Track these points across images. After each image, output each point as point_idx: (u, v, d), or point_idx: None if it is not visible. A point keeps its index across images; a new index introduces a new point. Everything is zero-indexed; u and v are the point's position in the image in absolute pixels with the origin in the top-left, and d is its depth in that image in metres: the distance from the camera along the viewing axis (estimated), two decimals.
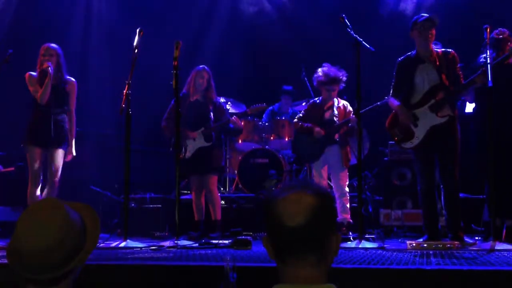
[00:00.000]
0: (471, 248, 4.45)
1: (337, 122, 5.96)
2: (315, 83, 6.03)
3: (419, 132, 4.93)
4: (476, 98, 5.28)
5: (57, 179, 5.62)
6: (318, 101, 6.14)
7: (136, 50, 5.16)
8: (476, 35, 5.24)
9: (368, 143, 7.17)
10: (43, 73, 5.62)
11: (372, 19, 8.60)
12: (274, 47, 9.02)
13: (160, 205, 6.75)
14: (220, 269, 2.42)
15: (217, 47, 9.03)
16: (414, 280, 2.94)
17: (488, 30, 4.74)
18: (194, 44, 8.70)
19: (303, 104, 7.59)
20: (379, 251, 4.23)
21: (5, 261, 1.90)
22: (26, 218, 1.82)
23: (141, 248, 4.68)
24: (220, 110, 6.16)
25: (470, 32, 5.92)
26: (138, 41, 5.22)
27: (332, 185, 6.07)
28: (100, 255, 3.97)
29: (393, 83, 5.14)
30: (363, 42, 4.83)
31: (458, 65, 4.96)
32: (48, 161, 5.64)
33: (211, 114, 6.09)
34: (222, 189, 7.74)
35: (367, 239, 4.84)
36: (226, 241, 5.03)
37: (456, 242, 4.47)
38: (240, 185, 7.39)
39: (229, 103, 7.32)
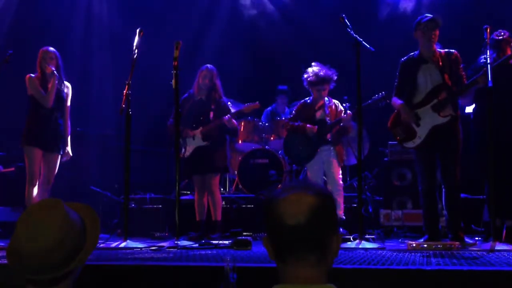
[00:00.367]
0: (471, 248, 4.45)
1: (329, 121, 5.92)
2: (305, 83, 5.98)
3: (421, 132, 4.94)
4: (476, 99, 5.28)
5: (51, 183, 5.70)
6: (309, 101, 6.10)
7: (136, 50, 5.16)
8: (476, 35, 5.24)
9: (368, 143, 7.18)
10: (45, 77, 5.67)
11: (372, 19, 8.61)
12: (274, 47, 9.02)
13: (160, 206, 6.75)
14: (220, 269, 2.42)
15: (217, 47, 9.04)
16: (414, 280, 2.94)
17: (488, 30, 4.75)
18: (194, 44, 8.71)
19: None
20: (379, 252, 4.22)
21: (5, 261, 1.89)
22: (26, 219, 1.82)
23: (141, 248, 4.68)
24: (222, 109, 6.14)
25: (470, 32, 5.92)
26: (138, 42, 5.22)
27: (326, 181, 6.01)
28: (100, 255, 3.97)
29: (396, 83, 5.15)
30: (363, 42, 4.83)
31: (461, 66, 4.96)
32: (45, 164, 5.68)
33: (211, 113, 6.09)
34: (222, 189, 7.74)
35: (367, 240, 4.84)
36: (226, 242, 5.03)
37: (456, 243, 4.46)
38: (240, 186, 7.39)
39: (229, 103, 7.31)
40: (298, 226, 1.52)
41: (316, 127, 5.89)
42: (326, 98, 6.01)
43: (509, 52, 5.08)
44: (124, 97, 5.02)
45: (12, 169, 7.34)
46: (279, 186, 6.91)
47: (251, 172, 7.20)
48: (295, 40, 8.95)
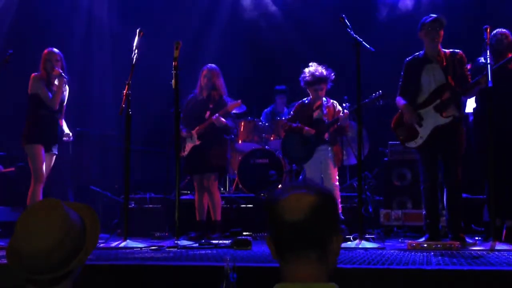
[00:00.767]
0: (471, 248, 4.45)
1: (326, 121, 5.92)
2: (302, 84, 5.98)
3: (423, 132, 4.95)
4: (476, 99, 5.29)
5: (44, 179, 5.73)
6: (306, 101, 6.10)
7: (136, 51, 5.16)
8: (476, 35, 5.25)
9: (367, 143, 7.18)
10: (49, 78, 5.66)
11: (372, 18, 8.60)
12: (274, 47, 9.02)
13: (160, 205, 6.75)
14: (220, 269, 2.42)
15: (217, 47, 9.03)
16: (414, 280, 2.94)
17: (488, 30, 4.75)
18: (194, 44, 8.71)
19: None
20: (379, 251, 4.23)
21: (5, 261, 1.89)
22: (26, 219, 1.82)
23: (141, 248, 4.68)
24: (220, 109, 6.13)
25: (470, 32, 5.92)
26: (138, 42, 5.22)
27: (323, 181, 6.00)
28: (100, 255, 3.97)
29: (400, 83, 5.16)
30: (363, 42, 4.83)
31: (466, 66, 4.96)
32: (46, 164, 5.70)
33: (208, 112, 6.09)
34: (222, 189, 7.74)
35: (367, 239, 4.84)
36: (226, 241, 5.03)
37: (456, 242, 4.47)
38: (240, 185, 7.39)
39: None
40: (297, 224, 1.53)
41: (313, 129, 5.89)
42: (324, 98, 6.01)
43: (510, 56, 5.08)
44: (124, 97, 5.03)
45: (12, 169, 7.34)
46: (279, 186, 6.92)
47: (251, 172, 7.20)
48: (295, 40, 8.95)
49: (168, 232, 6.30)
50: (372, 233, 5.73)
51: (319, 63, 5.97)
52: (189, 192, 7.50)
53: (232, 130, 6.28)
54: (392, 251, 4.29)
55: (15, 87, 6.98)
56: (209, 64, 6.24)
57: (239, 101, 6.20)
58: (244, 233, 6.00)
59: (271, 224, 1.60)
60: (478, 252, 4.04)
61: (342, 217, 5.78)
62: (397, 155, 6.53)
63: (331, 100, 6.07)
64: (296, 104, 6.24)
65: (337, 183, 5.90)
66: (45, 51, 5.80)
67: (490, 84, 4.44)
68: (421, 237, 5.04)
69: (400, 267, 3.10)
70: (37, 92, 5.66)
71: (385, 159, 6.71)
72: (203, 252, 4.31)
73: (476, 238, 5.29)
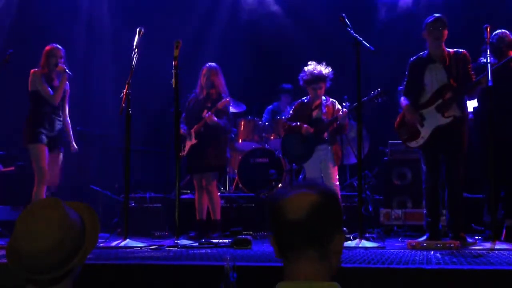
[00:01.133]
0: (471, 247, 4.45)
1: (326, 120, 5.92)
2: (301, 83, 5.97)
3: (425, 132, 4.97)
4: (477, 98, 5.29)
5: (57, 183, 5.69)
6: (305, 100, 6.09)
7: (136, 50, 5.15)
8: (476, 35, 5.25)
9: (367, 142, 7.18)
10: (50, 74, 5.63)
11: (373, 17, 8.60)
12: (275, 46, 9.01)
13: (160, 205, 6.75)
14: (220, 268, 2.42)
15: (218, 46, 9.03)
16: (414, 279, 2.94)
17: (488, 29, 4.75)
18: (195, 43, 8.71)
19: None
20: (379, 251, 4.23)
21: (5, 261, 1.89)
22: (26, 218, 1.82)
23: (141, 247, 4.68)
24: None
25: (469, 32, 5.92)
26: (138, 41, 5.21)
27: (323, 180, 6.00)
28: (100, 254, 3.97)
29: (404, 83, 5.17)
30: (363, 41, 4.83)
31: (470, 65, 4.97)
32: (52, 161, 5.66)
33: (205, 111, 6.09)
34: (222, 188, 7.74)
35: (367, 239, 4.84)
36: (226, 241, 5.03)
37: (456, 242, 4.47)
38: (240, 185, 7.39)
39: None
40: (298, 222, 1.54)
41: (312, 128, 5.88)
42: (323, 97, 6.01)
43: (510, 55, 5.08)
44: (124, 96, 5.02)
45: (12, 168, 7.34)
46: (279, 185, 6.92)
47: (251, 171, 7.19)
48: (296, 39, 8.94)
49: (168, 231, 6.30)
50: (372, 233, 5.73)
51: (319, 61, 5.96)
52: (189, 191, 7.50)
53: (225, 129, 6.23)
54: (392, 250, 4.29)
55: (15, 86, 6.97)
56: (209, 63, 6.25)
57: (227, 99, 6.18)
58: (244, 233, 6.00)
59: (273, 223, 1.61)
60: (478, 252, 4.04)
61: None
62: (397, 154, 6.53)
63: (331, 99, 6.06)
64: (295, 103, 6.24)
65: (337, 182, 5.90)
66: (48, 46, 5.75)
67: (490, 83, 4.44)
68: (421, 236, 5.05)
69: (400, 266, 3.10)
70: (37, 88, 5.62)
71: (385, 158, 6.71)
72: (203, 251, 4.31)
73: (476, 237, 5.29)
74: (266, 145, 7.50)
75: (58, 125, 5.75)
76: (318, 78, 5.84)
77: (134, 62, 5.11)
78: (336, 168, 5.90)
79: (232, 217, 6.72)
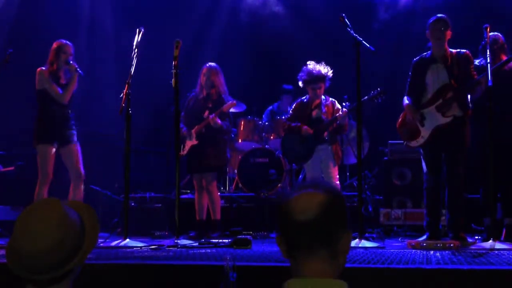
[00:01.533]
0: (471, 247, 4.45)
1: (325, 120, 5.92)
2: (300, 83, 5.99)
3: (425, 132, 4.99)
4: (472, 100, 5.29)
5: (83, 175, 5.61)
6: (305, 100, 6.09)
7: (136, 50, 5.15)
8: (475, 35, 5.26)
9: (367, 142, 7.18)
10: (58, 71, 5.55)
11: (373, 17, 8.60)
12: (275, 46, 9.01)
13: (160, 205, 6.75)
14: (220, 268, 2.42)
15: (218, 45, 9.03)
16: (414, 279, 2.94)
17: (488, 29, 4.76)
18: (195, 43, 8.71)
19: None
20: (379, 250, 4.23)
21: (5, 260, 1.89)
22: (25, 218, 1.82)
23: (141, 247, 4.67)
24: (218, 108, 6.13)
25: (469, 31, 5.91)
26: (138, 41, 5.21)
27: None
28: (100, 254, 3.97)
29: (407, 83, 5.18)
30: (363, 41, 4.83)
31: (473, 65, 4.97)
32: (66, 158, 5.62)
33: (207, 111, 6.09)
34: (222, 188, 7.74)
35: (367, 239, 4.84)
36: (226, 240, 5.03)
37: (456, 242, 4.47)
38: (240, 185, 7.39)
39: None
40: (308, 223, 1.55)
41: (312, 129, 5.88)
42: (323, 97, 6.01)
43: (503, 58, 5.08)
44: (124, 96, 5.02)
45: (12, 168, 7.34)
46: (279, 185, 6.92)
47: (251, 171, 7.19)
48: (298, 38, 8.93)
49: (168, 231, 6.30)
50: (372, 232, 5.74)
51: (319, 61, 5.96)
52: (189, 191, 7.50)
53: (228, 132, 6.26)
54: (392, 250, 4.29)
55: (15, 86, 6.97)
56: (209, 63, 6.25)
57: (234, 101, 6.20)
58: (244, 232, 6.00)
59: (282, 224, 1.62)
60: (478, 251, 4.04)
61: None
62: (397, 154, 6.53)
63: (330, 99, 6.06)
64: (295, 103, 6.24)
65: (338, 182, 5.91)
66: (57, 42, 5.68)
67: (490, 83, 4.45)
68: (421, 236, 5.05)
69: (400, 266, 3.10)
70: (44, 87, 5.56)
71: (385, 158, 6.71)
72: (203, 251, 4.31)
73: (476, 237, 5.29)
74: (266, 145, 7.50)
75: (68, 121, 5.65)
76: (317, 78, 5.84)
77: (134, 62, 5.11)
78: (336, 167, 5.90)
79: (232, 217, 6.72)
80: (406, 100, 5.14)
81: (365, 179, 6.69)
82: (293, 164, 6.76)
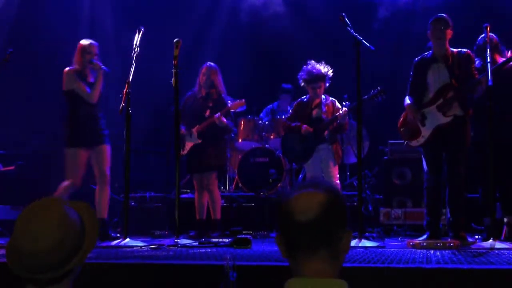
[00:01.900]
0: (471, 247, 4.45)
1: (326, 119, 5.92)
2: (300, 82, 5.98)
3: (425, 131, 4.99)
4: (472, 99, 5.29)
5: (108, 175, 5.61)
6: (305, 99, 6.10)
7: (136, 49, 5.15)
8: (475, 35, 5.26)
9: (367, 142, 7.18)
10: (84, 71, 5.50)
11: (373, 16, 8.60)
12: (275, 45, 9.00)
13: (160, 204, 6.76)
14: (220, 268, 2.42)
15: (218, 45, 9.03)
16: (414, 278, 2.94)
17: (488, 29, 4.76)
18: (195, 42, 8.70)
19: None
20: (379, 250, 4.23)
21: (5, 260, 1.89)
22: (25, 218, 1.82)
23: (141, 247, 4.68)
24: (219, 107, 6.14)
25: (469, 32, 5.91)
26: (138, 40, 5.21)
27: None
28: (100, 253, 3.97)
29: (409, 83, 5.19)
30: (363, 41, 4.83)
31: (474, 65, 4.97)
32: (94, 160, 5.58)
33: (208, 111, 6.10)
34: (222, 188, 7.74)
35: (367, 238, 4.84)
36: (226, 240, 5.03)
37: (456, 241, 4.47)
38: (240, 184, 7.39)
39: (229, 102, 7.31)
40: (310, 223, 1.55)
41: (312, 128, 5.88)
42: (323, 96, 6.01)
43: (497, 58, 5.07)
44: (124, 96, 5.01)
45: (12, 167, 7.34)
46: (279, 184, 6.92)
47: (251, 170, 7.19)
48: (298, 38, 8.93)
49: (168, 230, 6.30)
50: (372, 232, 5.74)
51: (319, 61, 5.96)
52: (189, 191, 7.50)
53: (231, 130, 6.29)
54: (392, 249, 4.29)
55: (15, 86, 6.98)
56: (208, 62, 6.25)
57: (243, 100, 6.21)
58: (244, 232, 6.00)
59: (282, 224, 1.61)
60: (478, 251, 4.04)
61: None
62: (397, 154, 6.53)
63: (330, 98, 6.06)
64: (295, 103, 6.24)
65: (338, 181, 5.91)
66: (83, 42, 5.64)
67: (490, 83, 4.45)
68: (421, 235, 5.05)
69: (400, 265, 3.10)
70: (72, 87, 5.50)
71: (385, 157, 6.71)
72: (203, 250, 4.31)
73: (476, 236, 5.29)
74: (266, 144, 7.50)
75: (97, 121, 5.60)
76: (317, 77, 5.84)
77: (134, 61, 5.10)
78: (336, 167, 5.90)
79: (232, 217, 6.73)
80: (407, 100, 5.14)
81: (365, 179, 6.69)
82: (293, 164, 6.77)
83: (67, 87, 5.54)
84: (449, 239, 4.76)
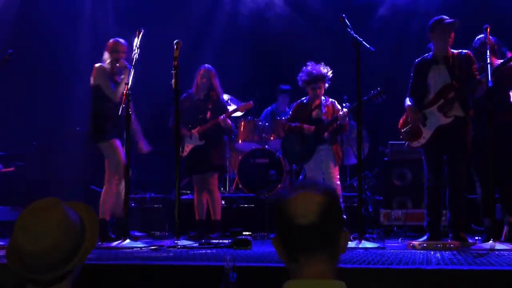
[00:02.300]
0: (471, 248, 4.45)
1: (326, 120, 5.92)
2: (299, 83, 5.97)
3: (426, 132, 5.00)
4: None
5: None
6: (305, 100, 6.09)
7: (136, 50, 5.15)
8: (475, 35, 5.26)
9: (367, 143, 7.18)
10: (113, 69, 5.47)
11: (372, 16, 8.60)
12: (275, 46, 9.01)
13: (160, 205, 6.76)
14: (220, 269, 2.42)
15: (217, 46, 9.03)
16: (414, 280, 2.94)
17: (488, 30, 4.75)
18: (195, 43, 8.70)
19: None
20: (379, 251, 4.22)
21: (5, 261, 1.89)
22: (26, 218, 1.82)
23: (141, 248, 4.67)
24: (219, 109, 6.16)
25: (469, 32, 5.92)
26: (138, 42, 5.20)
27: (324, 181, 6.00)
28: (100, 254, 3.97)
29: (409, 84, 5.19)
30: (363, 42, 4.83)
31: (475, 66, 4.96)
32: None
33: (209, 113, 6.10)
34: (222, 189, 7.74)
35: (367, 239, 4.84)
36: (226, 241, 5.03)
37: (456, 242, 4.47)
38: (240, 185, 7.39)
39: (228, 100, 7.32)
40: (311, 226, 1.54)
41: (314, 126, 5.88)
42: (322, 97, 6.01)
43: (494, 60, 5.07)
44: (124, 97, 5.01)
45: (12, 168, 7.34)
46: (279, 185, 6.92)
47: (251, 171, 7.19)
48: (296, 39, 8.94)
49: (168, 231, 6.30)
50: (372, 233, 5.74)
51: (318, 61, 5.96)
52: (189, 192, 7.51)
53: (233, 131, 6.31)
54: (392, 250, 4.29)
55: (15, 86, 6.97)
56: (206, 64, 6.25)
57: (251, 102, 6.24)
58: (244, 233, 6.00)
59: (281, 227, 1.60)
60: (478, 252, 4.04)
61: (344, 216, 5.77)
62: (397, 155, 6.54)
63: (330, 99, 6.06)
64: (295, 104, 6.24)
65: (338, 182, 5.91)
66: (111, 41, 5.64)
67: (490, 84, 4.44)
68: (421, 236, 5.05)
69: (400, 266, 3.10)
70: (98, 83, 5.49)
71: (385, 158, 6.71)
72: (203, 251, 4.31)
73: (476, 237, 5.29)
74: (266, 145, 7.50)
75: (121, 121, 5.44)
76: (317, 77, 5.84)
77: (134, 62, 5.10)
78: (337, 168, 5.90)
79: (232, 218, 6.72)
80: (408, 101, 5.14)
81: (365, 180, 6.69)
82: (293, 165, 6.77)
83: (95, 82, 5.55)
84: (449, 240, 4.76)
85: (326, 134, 5.91)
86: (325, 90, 5.99)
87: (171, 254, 4.13)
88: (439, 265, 3.14)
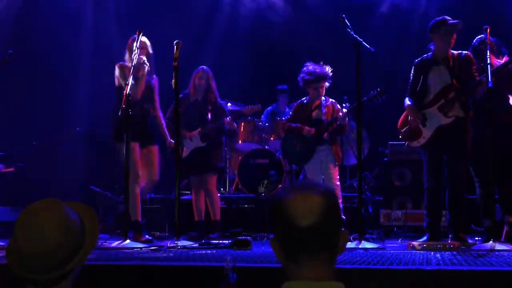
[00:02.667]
0: (471, 248, 4.45)
1: (326, 121, 5.92)
2: (301, 84, 5.94)
3: (426, 132, 4.99)
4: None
5: (156, 179, 5.55)
6: (305, 101, 6.09)
7: (136, 51, 5.14)
8: (475, 35, 5.26)
9: (367, 143, 7.18)
10: (135, 67, 5.43)
11: (372, 16, 8.61)
12: (275, 47, 9.01)
13: (160, 205, 6.75)
14: (220, 269, 2.42)
15: (217, 47, 9.03)
16: (414, 280, 2.94)
17: (488, 30, 4.75)
18: (194, 44, 8.70)
19: None
20: (379, 251, 4.23)
21: (5, 261, 1.89)
22: (25, 219, 1.82)
23: (141, 248, 4.67)
24: (219, 111, 6.16)
25: (469, 31, 5.92)
26: (138, 42, 5.20)
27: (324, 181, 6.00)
28: (100, 255, 3.97)
29: (409, 84, 5.19)
30: (363, 42, 4.83)
31: (475, 67, 4.96)
32: (143, 159, 5.51)
33: (209, 114, 6.11)
34: (222, 189, 7.74)
35: (367, 240, 4.84)
36: (226, 242, 5.03)
37: (456, 243, 4.47)
38: (240, 186, 7.39)
39: (229, 104, 7.33)
40: (312, 227, 1.53)
41: (314, 129, 5.88)
42: (323, 97, 6.00)
43: (494, 60, 5.07)
44: (124, 97, 5.00)
45: (12, 169, 7.34)
46: (279, 186, 6.92)
47: (251, 172, 7.19)
48: (295, 40, 8.94)
49: (168, 232, 6.30)
50: (372, 233, 5.73)
51: (317, 62, 5.96)
52: (188, 192, 7.49)
53: (236, 133, 6.33)
54: (392, 251, 4.29)
55: (15, 87, 6.97)
56: (203, 66, 6.23)
57: (259, 105, 6.25)
58: (244, 233, 6.00)
59: (280, 228, 1.58)
60: (478, 252, 4.04)
61: (343, 217, 5.77)
62: (397, 155, 6.54)
63: (330, 100, 6.06)
64: (295, 104, 6.24)
65: (338, 182, 5.90)
66: (131, 39, 5.56)
67: (490, 84, 4.44)
68: (421, 237, 5.05)
69: (400, 267, 3.10)
70: (120, 83, 5.45)
71: (385, 159, 6.71)
72: (203, 252, 4.31)
73: (476, 238, 5.29)
74: (266, 146, 7.50)
75: (146, 119, 5.52)
76: (320, 77, 5.84)
77: (134, 63, 5.09)
78: (337, 168, 5.90)
79: (232, 218, 6.72)
80: (407, 101, 5.14)
81: (365, 180, 6.68)
82: (293, 165, 6.76)
83: (117, 82, 5.51)
84: (449, 241, 4.76)
85: (326, 134, 5.91)
86: (325, 89, 5.99)
87: (171, 255, 4.13)
88: (439, 265, 3.14)
